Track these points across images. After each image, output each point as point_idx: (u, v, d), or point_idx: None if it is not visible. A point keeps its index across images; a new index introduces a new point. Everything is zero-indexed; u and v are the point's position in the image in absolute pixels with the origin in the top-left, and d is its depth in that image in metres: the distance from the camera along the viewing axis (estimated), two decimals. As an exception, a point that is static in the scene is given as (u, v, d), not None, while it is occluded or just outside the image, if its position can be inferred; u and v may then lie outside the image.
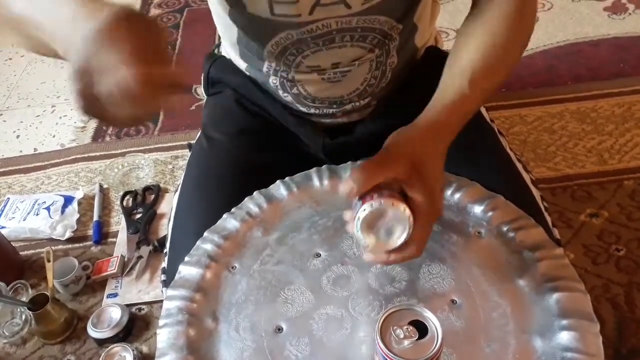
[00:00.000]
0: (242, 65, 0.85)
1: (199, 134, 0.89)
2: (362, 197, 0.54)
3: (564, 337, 0.55)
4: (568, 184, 1.19)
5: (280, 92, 0.81)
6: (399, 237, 0.54)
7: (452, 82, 0.63)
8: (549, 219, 0.71)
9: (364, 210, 0.52)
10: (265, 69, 0.79)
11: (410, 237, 0.54)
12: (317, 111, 0.81)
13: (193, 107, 1.61)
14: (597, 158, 1.25)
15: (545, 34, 1.70)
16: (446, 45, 0.91)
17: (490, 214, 0.68)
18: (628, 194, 1.15)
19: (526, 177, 0.75)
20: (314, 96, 0.79)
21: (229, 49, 0.84)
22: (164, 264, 0.75)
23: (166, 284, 0.72)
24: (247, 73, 0.84)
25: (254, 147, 0.81)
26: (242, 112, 0.85)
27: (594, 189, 1.17)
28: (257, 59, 0.78)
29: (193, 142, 0.90)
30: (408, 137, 0.58)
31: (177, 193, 0.80)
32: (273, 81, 0.79)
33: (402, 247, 0.54)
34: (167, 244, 0.75)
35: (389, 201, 0.52)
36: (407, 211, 0.52)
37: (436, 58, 0.79)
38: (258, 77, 0.82)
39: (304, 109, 0.81)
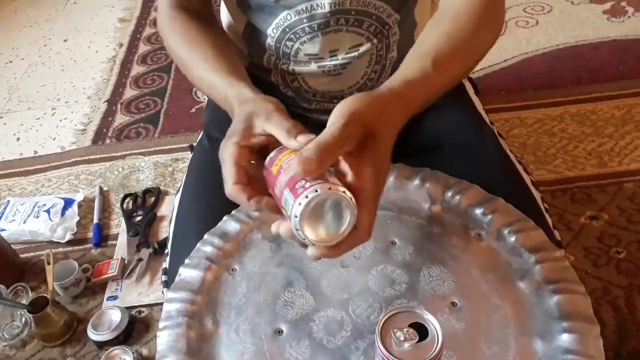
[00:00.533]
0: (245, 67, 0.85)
1: (201, 134, 0.89)
2: (291, 188, 0.46)
3: (565, 339, 0.55)
4: (568, 186, 1.19)
5: (282, 87, 0.81)
6: (344, 225, 0.46)
7: (414, 62, 0.60)
8: (549, 220, 0.71)
9: (300, 204, 0.44)
10: (265, 62, 0.79)
11: (358, 221, 0.46)
12: (318, 106, 0.82)
13: (193, 110, 1.61)
14: (597, 160, 1.25)
15: (545, 37, 1.70)
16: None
17: (490, 216, 0.68)
18: (628, 197, 1.15)
19: (527, 178, 0.75)
20: (314, 90, 0.79)
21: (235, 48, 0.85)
22: (165, 265, 0.75)
23: (167, 284, 0.72)
24: (249, 70, 0.85)
25: (256, 149, 0.82)
26: None
27: (594, 191, 1.17)
28: (259, 49, 0.79)
29: (194, 143, 0.91)
30: (366, 105, 0.50)
31: (179, 194, 0.80)
32: (274, 75, 0.80)
33: (350, 235, 0.47)
34: (169, 245, 0.75)
35: (325, 186, 0.44)
36: (348, 193, 0.44)
37: None
38: (260, 75, 0.83)
39: (305, 104, 0.82)
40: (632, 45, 1.63)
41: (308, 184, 0.44)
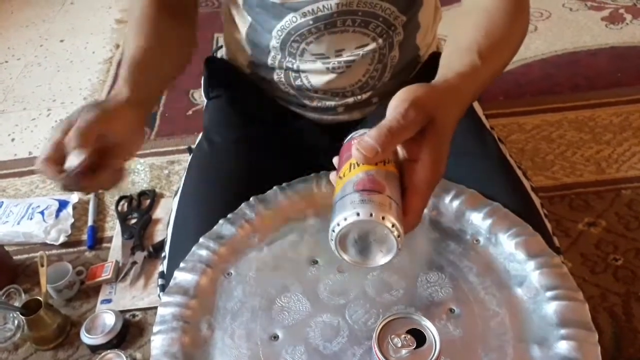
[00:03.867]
0: (245, 66, 0.85)
1: (200, 137, 0.89)
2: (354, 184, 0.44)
3: (563, 346, 0.55)
4: (566, 192, 1.19)
5: (284, 86, 0.81)
6: (382, 258, 0.45)
7: (463, 57, 0.59)
8: (549, 226, 0.71)
9: (339, 225, 0.42)
10: (270, 61, 0.79)
11: (408, 206, 0.45)
12: (319, 104, 0.82)
13: (190, 112, 1.61)
14: (595, 167, 1.25)
15: (544, 43, 1.70)
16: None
17: (488, 221, 0.67)
18: (626, 203, 1.15)
19: (527, 184, 0.74)
20: (316, 87, 0.79)
21: (236, 48, 0.85)
22: (162, 268, 0.74)
23: (164, 288, 0.71)
24: (249, 71, 0.85)
25: (256, 152, 0.82)
26: (244, 116, 0.86)
27: (592, 198, 1.17)
28: (264, 51, 0.79)
29: (193, 145, 0.90)
30: (427, 93, 0.49)
31: (177, 196, 0.80)
32: (278, 74, 0.80)
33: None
34: (166, 248, 0.75)
35: (371, 217, 0.41)
36: (395, 232, 0.42)
37: (438, 63, 0.80)
38: (262, 73, 0.83)
39: (306, 101, 0.82)
40: (630, 52, 1.64)
41: (370, 189, 0.42)
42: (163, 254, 0.76)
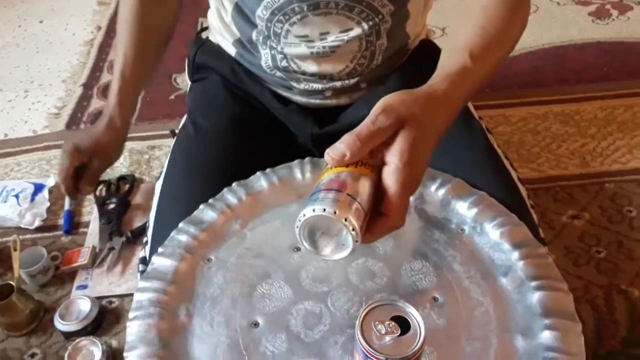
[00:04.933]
0: (231, 48, 0.83)
1: (184, 120, 0.87)
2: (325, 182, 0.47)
3: (546, 336, 0.55)
4: (551, 185, 1.19)
5: (270, 69, 0.80)
6: (340, 252, 0.47)
7: (454, 58, 0.61)
8: (535, 217, 0.70)
9: (299, 220, 0.45)
10: (255, 42, 0.78)
11: (386, 207, 0.47)
12: (306, 86, 0.80)
13: (172, 97, 1.58)
14: (579, 160, 1.25)
15: (531, 36, 1.71)
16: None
17: (474, 210, 0.67)
18: (609, 197, 1.15)
19: (513, 174, 0.74)
20: (303, 70, 0.78)
21: (222, 29, 0.83)
22: (144, 254, 0.72)
23: None
24: (235, 52, 0.84)
25: (243, 136, 0.81)
26: (230, 99, 0.85)
27: (576, 190, 1.17)
28: (249, 31, 0.78)
29: (176, 129, 0.89)
30: (400, 99, 0.51)
31: (161, 180, 0.78)
32: (264, 55, 0.79)
33: (380, 221, 0.48)
34: (149, 233, 0.73)
35: (324, 212, 0.44)
36: (350, 227, 0.44)
37: (429, 51, 0.80)
38: (248, 55, 0.81)
39: (293, 84, 0.81)
40: (616, 47, 1.65)
41: (332, 188, 0.45)
42: (145, 239, 0.74)
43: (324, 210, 0.44)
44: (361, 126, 0.48)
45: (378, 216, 0.48)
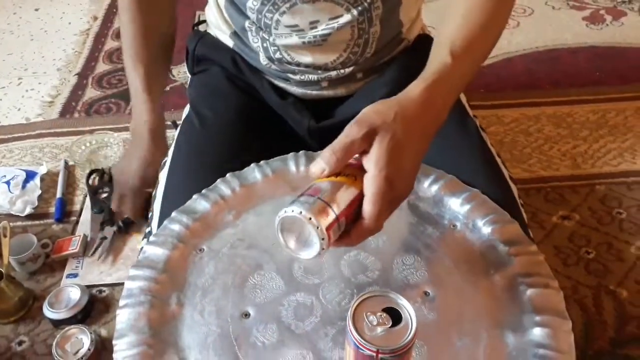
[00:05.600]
0: (228, 40, 0.84)
1: (187, 111, 0.87)
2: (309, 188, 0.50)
3: (536, 333, 0.55)
4: (542, 185, 1.20)
5: (265, 61, 0.80)
6: (308, 252, 0.49)
7: (433, 55, 0.60)
8: (525, 216, 0.71)
9: (284, 212, 0.48)
10: (249, 34, 0.77)
11: (363, 211, 0.49)
12: (302, 77, 0.80)
13: (167, 88, 1.57)
14: (571, 162, 1.26)
15: (526, 39, 1.71)
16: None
17: (466, 207, 0.67)
18: (599, 198, 1.16)
19: (505, 172, 0.75)
20: (297, 61, 0.78)
21: (218, 22, 0.83)
22: (144, 244, 0.72)
23: None
24: (232, 44, 0.84)
25: (247, 127, 0.81)
26: (233, 90, 0.85)
27: (567, 191, 1.18)
28: (242, 23, 0.78)
29: (178, 121, 0.89)
30: (373, 108, 0.53)
31: (165, 171, 0.78)
32: (258, 48, 0.78)
33: (358, 224, 0.50)
34: (153, 223, 0.72)
35: (293, 213, 0.47)
36: (317, 229, 0.47)
37: (427, 44, 0.80)
38: (244, 47, 0.82)
39: (289, 75, 0.80)
40: (609, 52, 1.66)
41: (307, 193, 0.49)
42: (148, 229, 0.73)
43: (292, 211, 0.47)
44: (336, 140, 0.50)
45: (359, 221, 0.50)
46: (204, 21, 0.93)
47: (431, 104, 0.55)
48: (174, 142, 0.82)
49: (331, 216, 0.47)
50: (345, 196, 0.49)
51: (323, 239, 0.47)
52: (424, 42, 0.85)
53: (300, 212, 0.46)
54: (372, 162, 0.49)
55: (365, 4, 0.74)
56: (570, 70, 1.58)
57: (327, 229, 0.47)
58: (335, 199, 0.48)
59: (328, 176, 0.50)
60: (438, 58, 0.58)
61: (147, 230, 0.74)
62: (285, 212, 0.47)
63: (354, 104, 0.80)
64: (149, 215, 0.77)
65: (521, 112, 1.41)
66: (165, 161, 0.80)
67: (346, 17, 0.74)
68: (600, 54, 1.65)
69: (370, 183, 0.49)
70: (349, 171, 0.51)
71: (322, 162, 0.49)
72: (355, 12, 0.74)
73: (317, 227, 0.46)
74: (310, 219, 0.46)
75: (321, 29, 0.75)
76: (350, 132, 0.50)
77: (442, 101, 0.57)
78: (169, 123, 1.09)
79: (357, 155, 0.51)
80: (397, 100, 0.54)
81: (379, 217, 0.49)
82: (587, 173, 1.23)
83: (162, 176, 0.78)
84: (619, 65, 1.60)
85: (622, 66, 1.59)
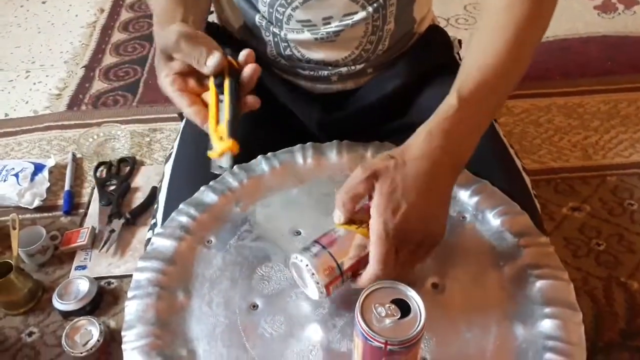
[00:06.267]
0: (237, 33, 0.83)
1: None
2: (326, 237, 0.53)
3: (546, 325, 0.55)
4: (552, 176, 1.19)
5: (274, 56, 0.79)
6: (313, 294, 0.53)
7: (447, 96, 0.58)
8: (539, 207, 0.70)
9: (295, 257, 0.52)
10: (258, 29, 0.76)
11: (370, 257, 0.52)
12: (311, 72, 0.79)
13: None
14: (581, 153, 1.25)
15: (536, 28, 1.70)
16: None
17: (475, 199, 0.66)
18: (610, 190, 1.15)
19: (518, 163, 0.74)
20: (308, 57, 0.77)
21: (227, 14, 0.83)
22: (151, 236, 0.72)
23: None
24: (240, 38, 0.83)
25: (255, 120, 0.80)
26: None
27: (577, 183, 1.17)
28: (253, 17, 0.77)
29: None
30: (382, 155, 0.54)
31: (171, 163, 0.77)
32: (267, 43, 0.78)
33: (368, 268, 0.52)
34: (158, 215, 0.72)
35: (311, 270, 0.51)
36: (320, 289, 0.51)
37: (437, 37, 0.79)
38: (253, 42, 0.81)
39: (299, 70, 0.80)
40: (621, 42, 1.64)
41: (322, 242, 0.53)
42: (153, 221, 0.73)
43: (301, 260, 0.51)
44: (345, 182, 0.53)
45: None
46: (212, 12, 0.92)
47: (436, 146, 0.54)
48: (179, 133, 0.82)
49: (335, 274, 0.51)
50: (356, 250, 0.52)
51: (322, 292, 0.51)
52: (434, 33, 0.84)
53: (307, 265, 0.51)
54: (374, 207, 0.51)
55: (381, 1, 0.73)
56: (581, 60, 1.57)
57: (328, 285, 0.51)
58: (345, 254, 0.52)
59: (347, 222, 0.53)
60: (446, 100, 0.57)
61: (152, 222, 0.74)
62: (296, 257, 0.52)
63: (363, 97, 0.80)
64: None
65: (531, 102, 1.40)
66: (171, 153, 0.80)
67: (361, 14, 0.73)
68: (612, 43, 1.63)
69: (372, 229, 0.51)
70: (360, 217, 0.54)
71: (337, 209, 0.53)
72: (370, 9, 0.73)
73: (318, 283, 0.51)
74: (313, 274, 0.50)
75: (334, 25, 0.74)
76: (355, 174, 0.52)
77: (451, 142, 0.55)
78: (175, 115, 1.08)
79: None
80: (402, 146, 0.55)
81: (383, 262, 0.50)
82: (598, 164, 1.22)
83: (167, 168, 0.78)
84: (631, 54, 1.58)
85: (634, 56, 1.57)
